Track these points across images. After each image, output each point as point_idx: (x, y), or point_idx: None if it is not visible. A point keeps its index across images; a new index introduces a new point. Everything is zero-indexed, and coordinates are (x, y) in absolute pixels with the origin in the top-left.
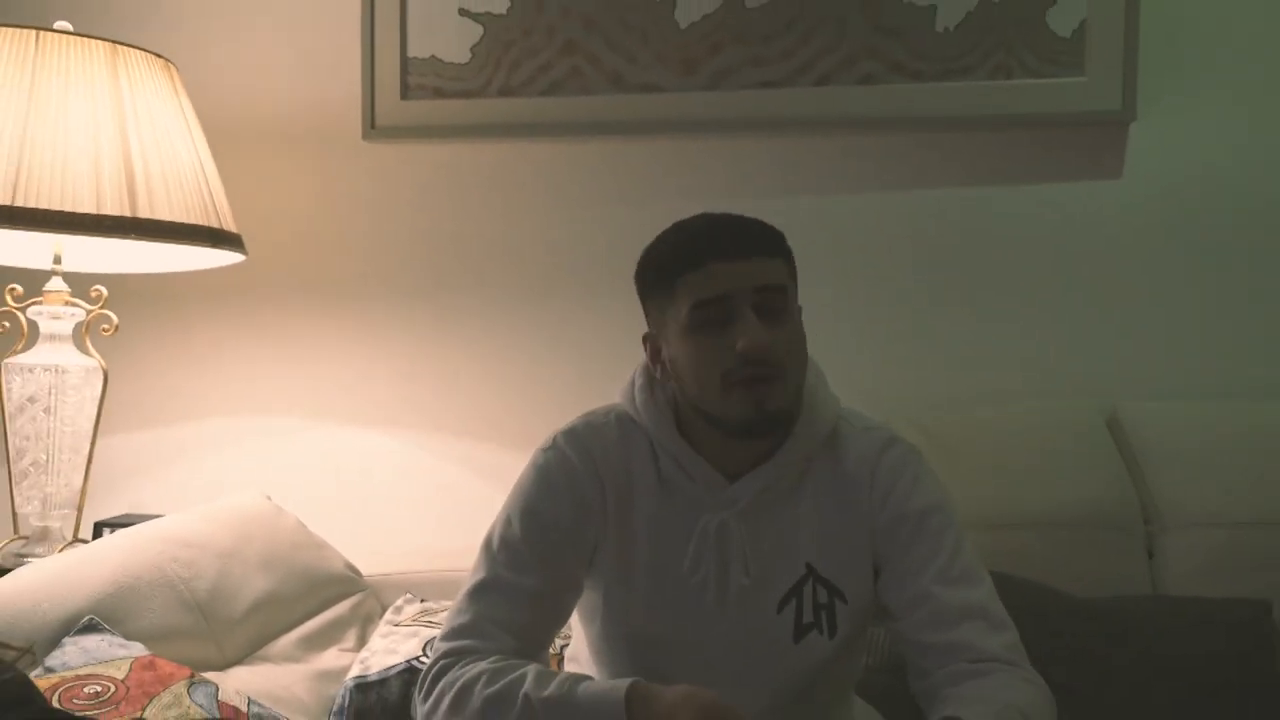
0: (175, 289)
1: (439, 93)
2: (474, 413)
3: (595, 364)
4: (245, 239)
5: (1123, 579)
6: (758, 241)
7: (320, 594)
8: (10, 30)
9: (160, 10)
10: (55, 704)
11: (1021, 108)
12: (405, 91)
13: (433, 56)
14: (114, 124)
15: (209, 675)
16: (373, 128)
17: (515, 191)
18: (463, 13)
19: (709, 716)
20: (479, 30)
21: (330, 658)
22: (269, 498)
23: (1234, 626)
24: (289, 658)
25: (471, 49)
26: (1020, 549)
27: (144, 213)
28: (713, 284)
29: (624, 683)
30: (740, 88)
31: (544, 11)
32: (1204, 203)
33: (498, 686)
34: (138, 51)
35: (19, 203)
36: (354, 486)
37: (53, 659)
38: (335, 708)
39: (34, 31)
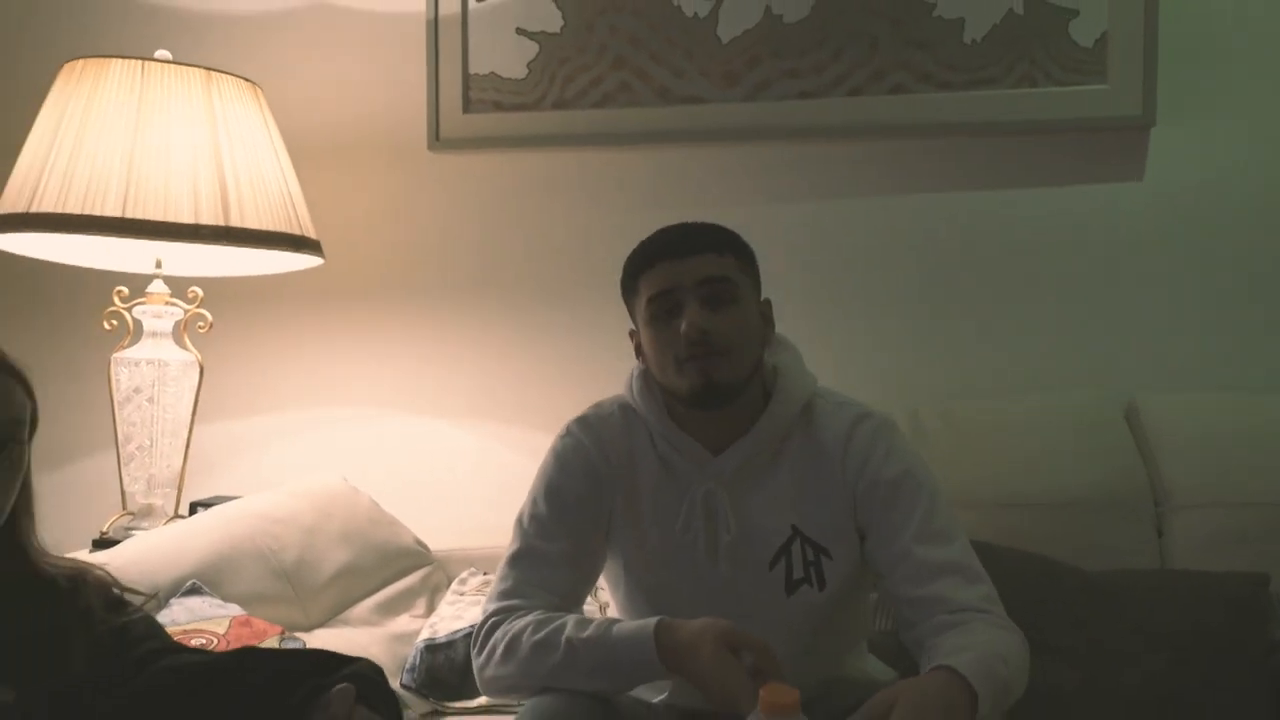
0: (263, 290)
1: (498, 106)
2: (526, 402)
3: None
4: (323, 244)
5: (1132, 556)
6: (702, 241)
7: (393, 566)
8: (120, 61)
9: (247, 37)
10: None
11: (1046, 114)
12: (467, 105)
13: (492, 73)
14: (209, 142)
15: (297, 634)
16: (437, 139)
17: (568, 197)
18: (520, 32)
19: (728, 640)
20: (535, 48)
21: (403, 622)
22: (345, 479)
23: (1231, 599)
24: (366, 621)
25: (528, 65)
26: (1034, 527)
27: (235, 222)
28: (661, 280)
29: (652, 620)
30: (778, 98)
31: (595, 30)
32: (1221, 204)
33: (543, 634)
34: (228, 76)
35: (128, 215)
36: (421, 469)
37: (162, 616)
38: (407, 666)
39: (140, 62)
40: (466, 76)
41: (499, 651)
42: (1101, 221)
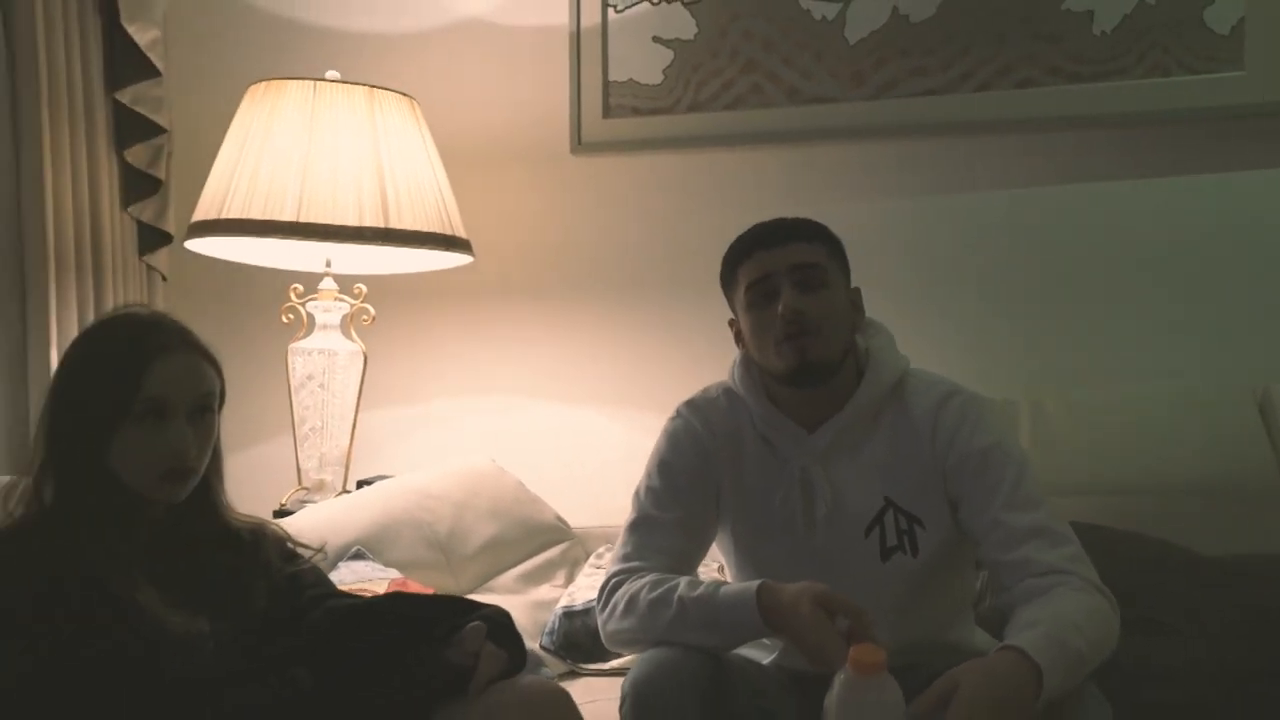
0: (420, 286)
1: (636, 111)
2: (659, 389)
3: None
4: (473, 243)
5: (1257, 545)
6: (793, 231)
7: (535, 540)
8: (295, 82)
9: (406, 55)
10: None
11: (1180, 103)
12: (607, 111)
13: (630, 79)
14: (371, 153)
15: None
16: (579, 143)
17: (701, 195)
18: (656, 40)
19: (824, 602)
20: (670, 54)
21: (544, 591)
22: (494, 461)
23: None
24: (510, 589)
25: (664, 71)
26: (1158, 513)
27: (394, 224)
28: (757, 268)
29: (755, 582)
30: (904, 96)
31: (727, 36)
32: None
33: (658, 592)
34: (388, 92)
35: (301, 219)
36: (562, 452)
37: (331, 577)
38: (547, 629)
39: (312, 82)
40: (606, 84)
41: (620, 608)
42: (1237, 210)
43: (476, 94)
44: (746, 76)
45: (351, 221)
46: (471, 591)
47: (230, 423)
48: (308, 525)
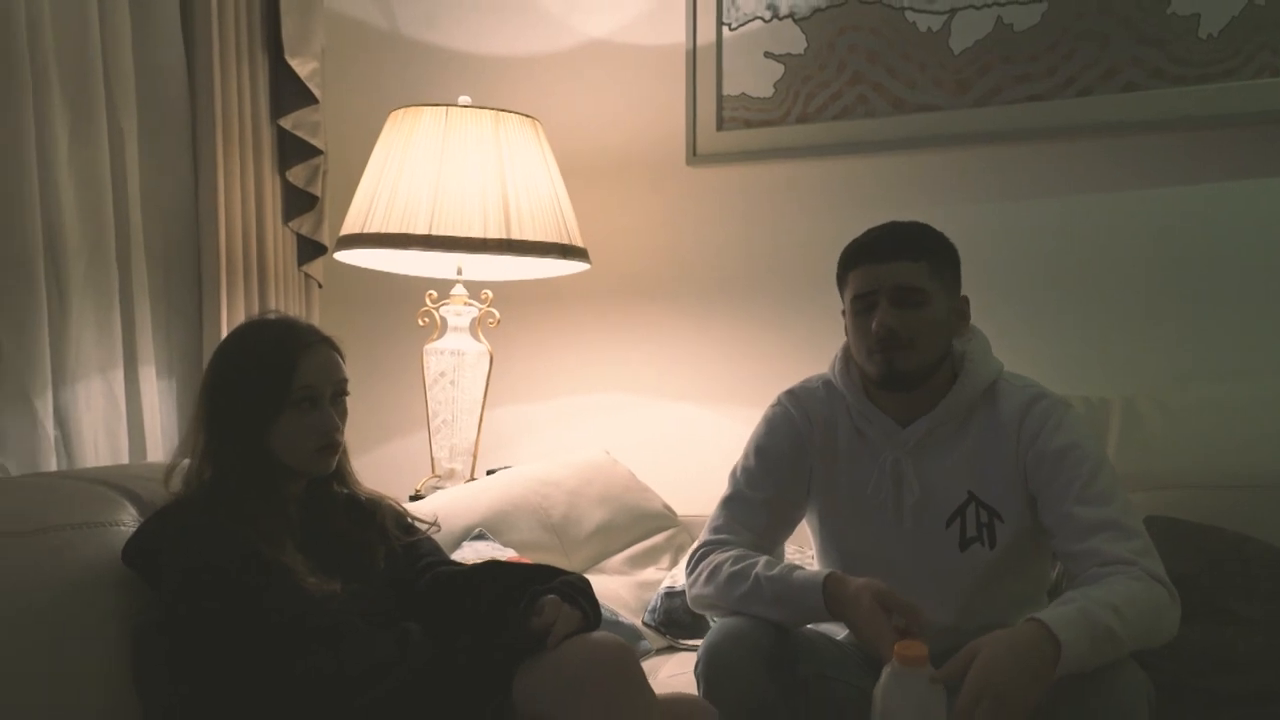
0: (541, 292)
1: (748, 123)
2: (763, 386)
3: None
4: (592, 251)
5: None
6: (901, 247)
7: (643, 526)
8: (430, 108)
9: (532, 79)
10: None
11: None
12: (720, 124)
13: (743, 93)
14: (496, 170)
15: None
16: (694, 155)
17: (808, 202)
18: (767, 55)
19: (883, 599)
20: (781, 68)
21: (649, 573)
22: (608, 453)
23: None
24: (618, 571)
25: (774, 85)
26: (1247, 509)
27: (516, 235)
28: (862, 282)
29: (824, 571)
30: (1008, 102)
31: (835, 49)
32: None
33: (739, 566)
34: (513, 115)
35: (434, 232)
36: (671, 445)
37: (454, 555)
38: (650, 607)
39: (445, 108)
40: (720, 98)
41: (704, 575)
42: None
43: (598, 111)
44: (853, 88)
45: (478, 233)
46: (582, 572)
47: (373, 415)
48: (437, 508)
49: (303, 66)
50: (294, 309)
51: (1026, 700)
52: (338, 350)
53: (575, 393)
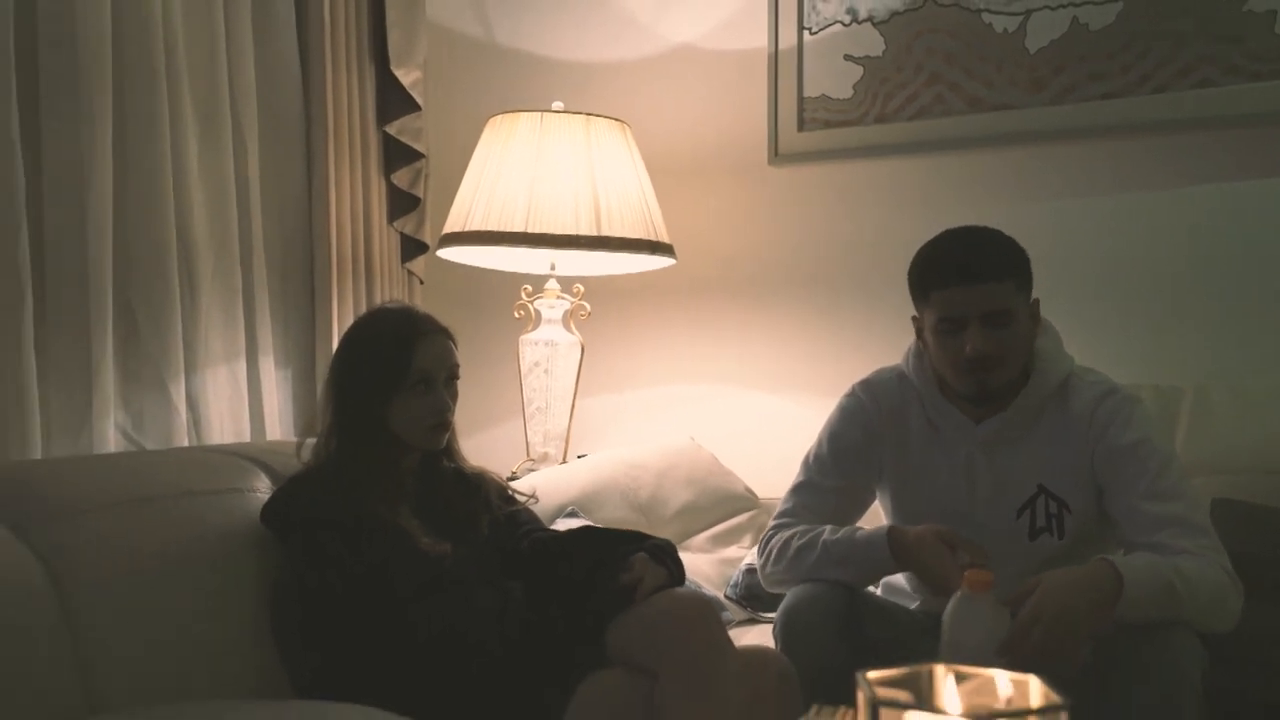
0: (630, 286)
1: (827, 124)
2: (841, 375)
3: None
4: (679, 247)
5: None
6: (989, 269)
7: (725, 507)
8: (525, 114)
9: (620, 84)
10: None
11: None
12: (801, 125)
13: (823, 95)
14: (587, 172)
15: None
16: (776, 155)
17: (888, 199)
18: (847, 58)
19: (946, 538)
20: (859, 70)
21: (731, 551)
22: (693, 439)
23: None
24: (702, 549)
25: (853, 86)
26: None
27: (605, 232)
28: (952, 306)
29: (885, 525)
30: (1082, 100)
31: (913, 51)
32: None
33: (806, 539)
34: (602, 119)
35: (529, 230)
36: (752, 432)
37: None
38: (731, 582)
39: (540, 114)
40: (801, 99)
41: (774, 554)
42: None
43: (684, 113)
44: (930, 88)
45: (570, 230)
46: None
47: (471, 401)
48: (531, 488)
49: (407, 76)
50: None
51: (1081, 628)
52: (451, 339)
53: (662, 382)
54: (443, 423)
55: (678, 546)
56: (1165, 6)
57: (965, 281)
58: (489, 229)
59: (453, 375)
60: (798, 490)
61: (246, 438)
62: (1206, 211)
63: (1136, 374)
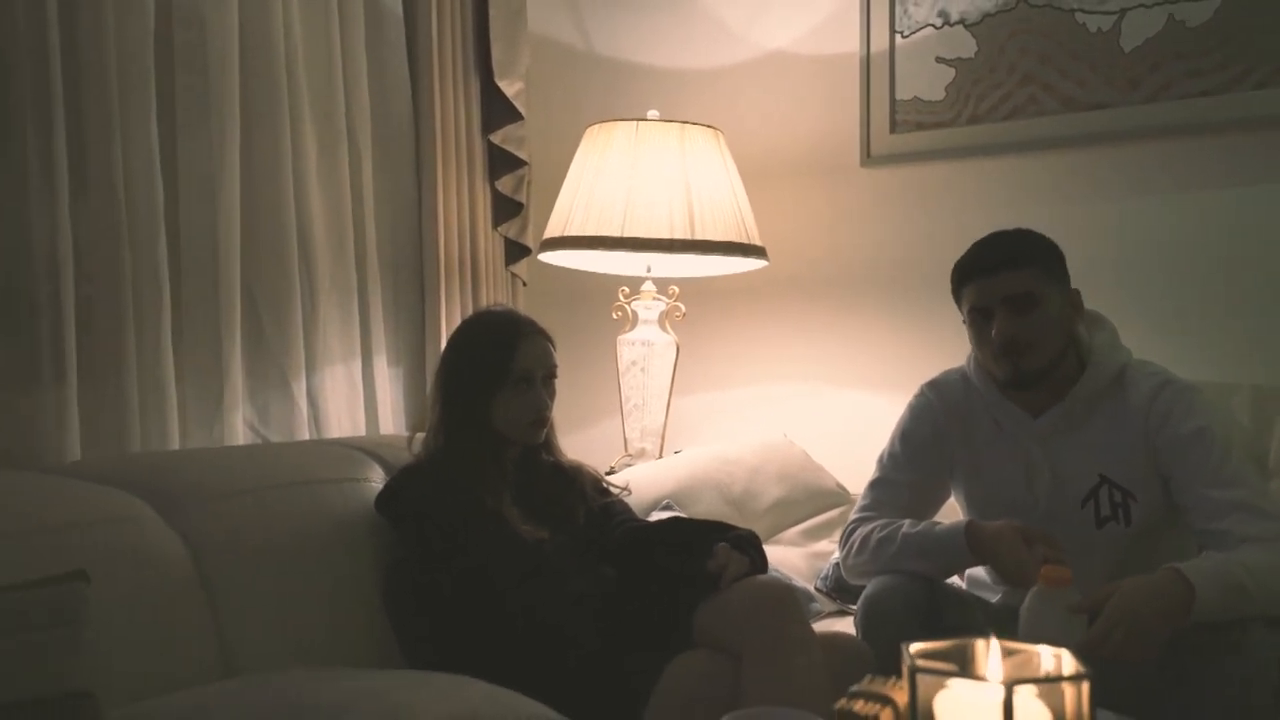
0: (724, 287)
1: (919, 125)
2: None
3: None
4: (772, 249)
5: None
6: (1005, 258)
7: (817, 502)
8: (621, 123)
9: (715, 90)
10: None
11: None
12: (893, 127)
13: (915, 97)
14: (680, 178)
15: None
16: (868, 157)
17: (979, 199)
18: (939, 60)
19: (1024, 533)
20: (951, 72)
21: (822, 545)
22: (785, 435)
23: None
24: (794, 543)
25: (945, 88)
26: None
27: (699, 235)
28: (978, 297)
29: (964, 519)
30: (1179, 98)
31: (1006, 52)
32: None
33: (886, 532)
34: (696, 126)
35: (626, 234)
36: (843, 429)
37: None
38: (821, 575)
39: (635, 122)
40: (893, 102)
41: (855, 547)
42: None
43: (776, 117)
44: (1024, 88)
45: (664, 234)
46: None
47: (571, 399)
48: (629, 482)
49: (510, 87)
50: None
51: (1158, 634)
52: (550, 340)
53: (755, 381)
54: (541, 419)
55: (769, 540)
56: (1265, 1)
57: (985, 273)
58: (587, 233)
59: (550, 374)
60: (874, 486)
61: (362, 431)
62: None
63: (1239, 373)
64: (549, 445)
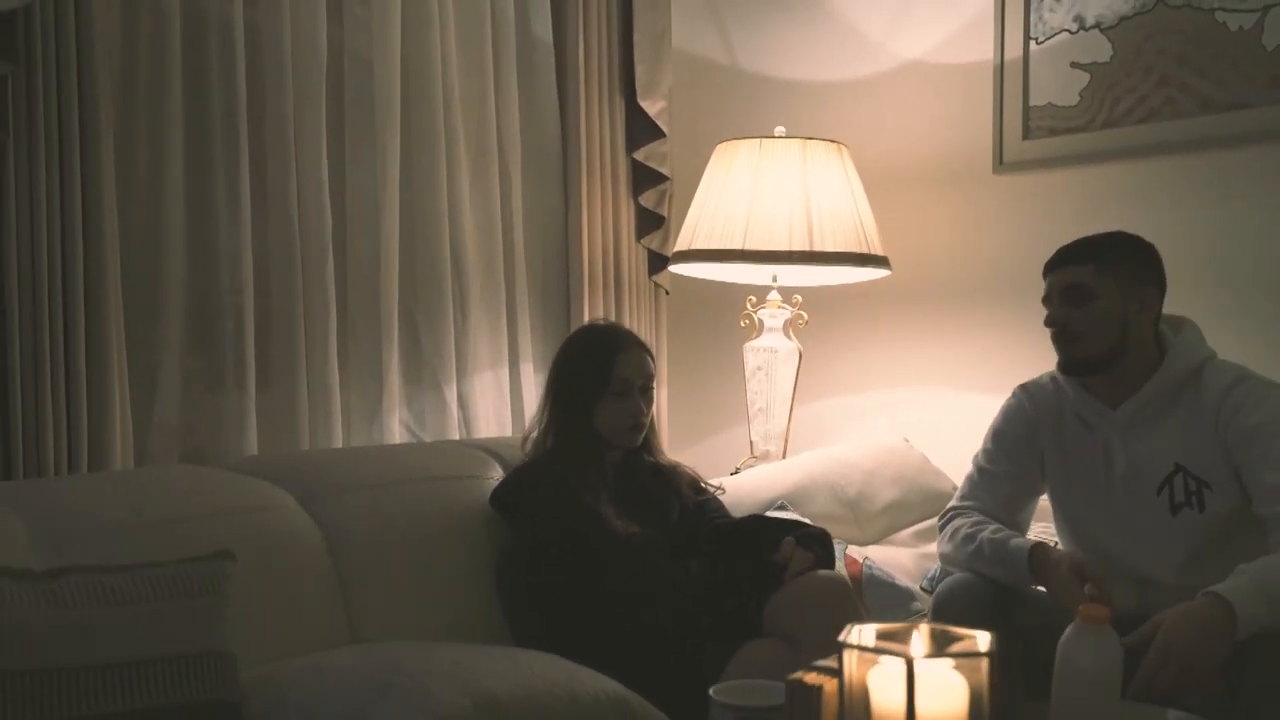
0: (848, 295)
1: (1053, 131)
2: None
3: None
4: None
5: None
6: (1067, 255)
7: (932, 505)
8: (746, 141)
9: (851, 103)
10: None
11: None
12: (1026, 133)
13: (1049, 103)
14: (801, 191)
15: (851, 547)
16: (1001, 164)
17: (1112, 204)
18: (1074, 65)
19: (1079, 570)
20: (1086, 77)
21: (933, 547)
22: (906, 439)
23: None
24: (906, 543)
25: (1080, 93)
26: None
27: (817, 247)
28: (1046, 287)
29: (1032, 540)
30: None
31: (1141, 54)
32: None
33: (972, 530)
34: (819, 141)
35: (747, 247)
36: (965, 433)
37: None
38: (929, 575)
39: (759, 140)
40: (1026, 109)
41: (947, 537)
42: None
43: (912, 126)
44: (1160, 90)
45: (783, 246)
46: (874, 543)
47: (704, 402)
48: (750, 480)
49: (652, 106)
50: (644, 314)
51: (1210, 664)
52: (649, 352)
53: (879, 386)
54: (638, 424)
55: (883, 541)
56: None
57: (1052, 267)
58: (711, 246)
59: (648, 384)
60: (972, 477)
61: (509, 433)
62: None
63: None
64: (649, 446)
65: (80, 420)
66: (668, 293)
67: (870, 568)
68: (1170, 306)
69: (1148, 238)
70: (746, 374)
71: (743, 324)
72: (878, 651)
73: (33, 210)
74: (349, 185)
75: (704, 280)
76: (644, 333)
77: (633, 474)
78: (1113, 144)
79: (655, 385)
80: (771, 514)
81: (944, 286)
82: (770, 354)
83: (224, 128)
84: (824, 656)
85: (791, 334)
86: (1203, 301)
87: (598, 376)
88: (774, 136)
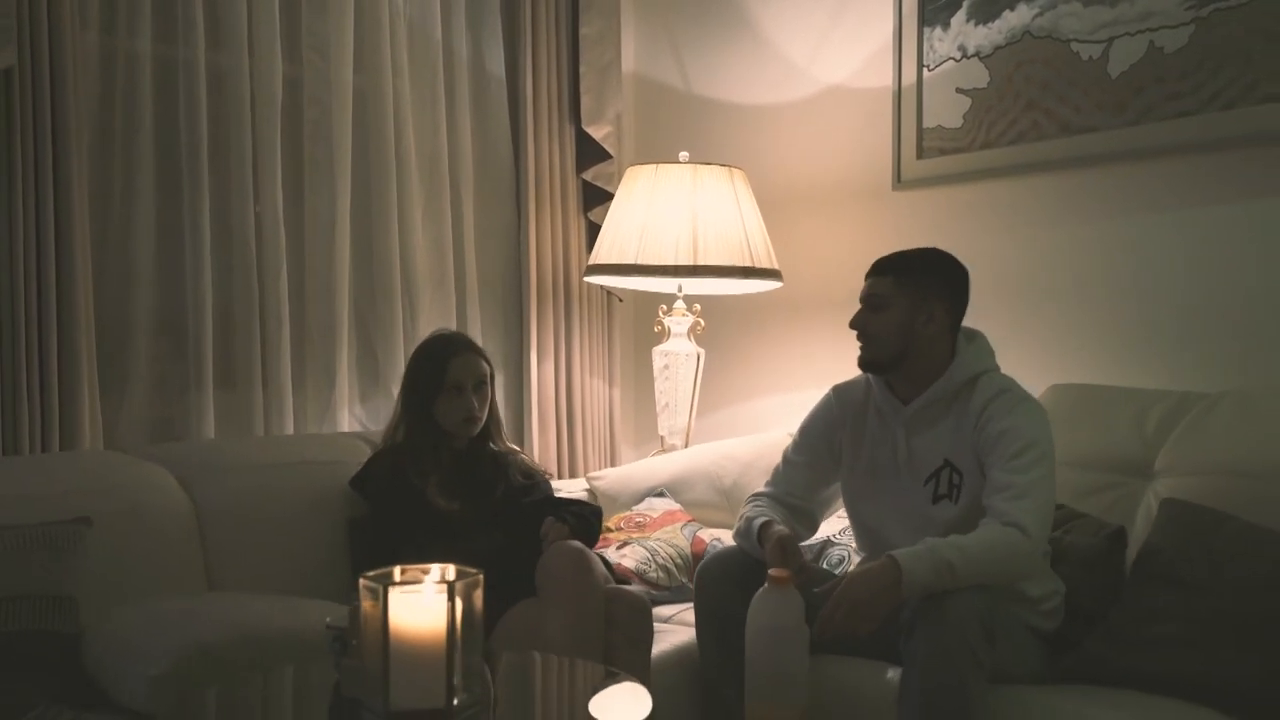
0: (744, 305)
1: (942, 151)
2: None
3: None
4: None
5: None
6: (877, 267)
7: None
8: (645, 166)
9: (737, 135)
10: (617, 525)
11: None
12: (920, 153)
13: (938, 125)
14: (688, 211)
15: (715, 529)
16: (899, 181)
17: (994, 218)
18: (958, 90)
19: (784, 543)
20: (968, 102)
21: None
22: (790, 434)
23: None
24: None
25: (963, 116)
26: None
27: (702, 261)
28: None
29: (761, 520)
30: (1159, 120)
31: (1013, 81)
32: None
33: (750, 513)
34: (710, 165)
35: (640, 261)
36: None
37: (636, 507)
38: None
39: (655, 165)
40: (920, 131)
41: (739, 518)
42: None
43: (824, 147)
44: (1027, 114)
45: (670, 261)
46: None
47: (644, 399)
48: (634, 470)
49: (598, 131)
50: (596, 321)
51: (873, 609)
52: (482, 356)
53: (770, 392)
54: (471, 418)
55: None
56: (1233, 27)
57: (866, 277)
58: (611, 261)
59: (481, 382)
60: (777, 467)
61: None
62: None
63: (1215, 381)
64: (490, 436)
65: (53, 423)
66: (620, 300)
67: (716, 545)
68: (1041, 312)
69: (1020, 252)
70: (654, 373)
71: (656, 330)
72: (397, 584)
73: (11, 243)
74: (305, 210)
75: (647, 292)
76: (595, 338)
77: (472, 460)
78: (989, 163)
79: (490, 383)
80: (651, 499)
81: (834, 301)
82: (673, 356)
83: (189, 160)
84: (557, 610)
85: (692, 338)
86: (1071, 305)
87: (434, 377)
88: (674, 163)
